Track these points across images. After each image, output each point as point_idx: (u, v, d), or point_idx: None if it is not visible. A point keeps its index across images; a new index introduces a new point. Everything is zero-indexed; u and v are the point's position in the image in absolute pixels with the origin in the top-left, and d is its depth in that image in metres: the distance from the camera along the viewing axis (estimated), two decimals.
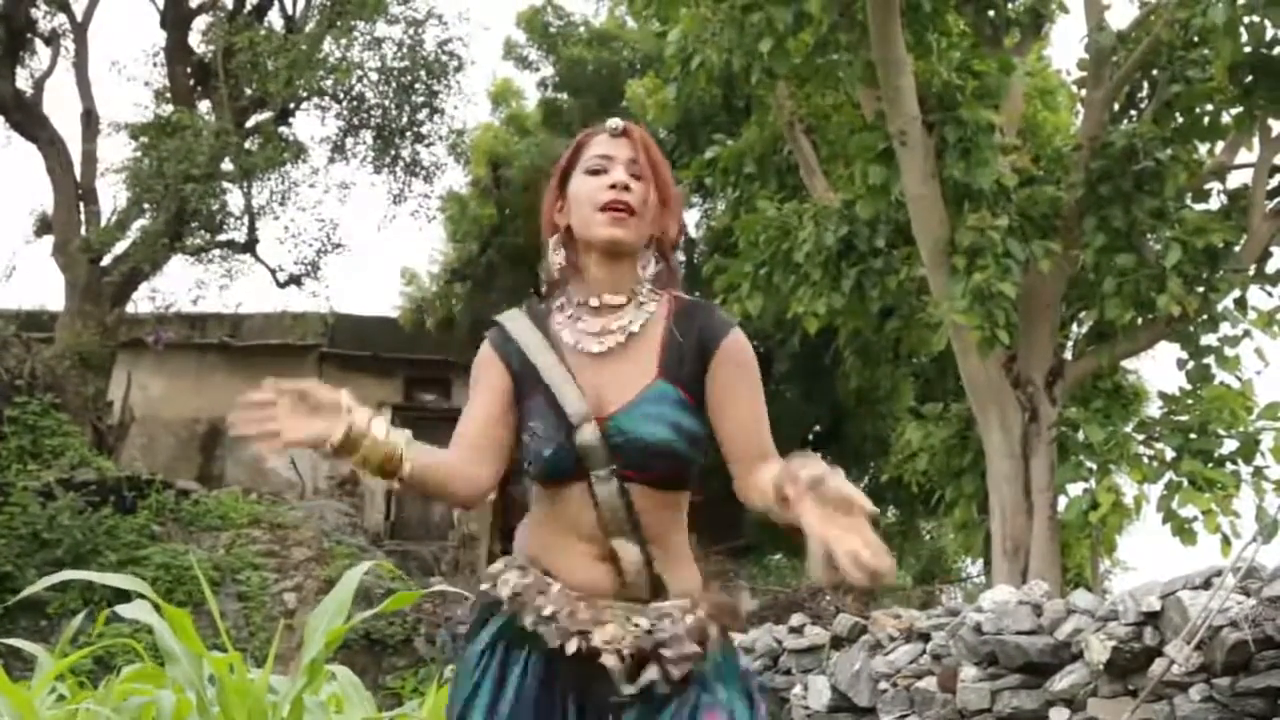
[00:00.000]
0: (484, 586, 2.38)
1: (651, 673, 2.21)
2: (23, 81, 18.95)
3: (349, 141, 19.31)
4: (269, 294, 38.90)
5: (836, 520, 1.93)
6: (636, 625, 2.25)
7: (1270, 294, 12.39)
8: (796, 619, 9.42)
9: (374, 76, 18.87)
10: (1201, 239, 11.43)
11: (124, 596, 4.57)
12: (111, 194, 18.39)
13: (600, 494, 2.27)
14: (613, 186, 2.37)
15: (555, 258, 2.44)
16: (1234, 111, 12.22)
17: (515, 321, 2.46)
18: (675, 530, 2.37)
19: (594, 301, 2.41)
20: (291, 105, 18.49)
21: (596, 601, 2.28)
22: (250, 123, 18.54)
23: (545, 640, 2.25)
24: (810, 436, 22.06)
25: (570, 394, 2.32)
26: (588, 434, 2.29)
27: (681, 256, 19.40)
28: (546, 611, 2.26)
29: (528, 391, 2.37)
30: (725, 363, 2.36)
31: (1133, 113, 12.92)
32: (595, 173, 2.40)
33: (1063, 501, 12.12)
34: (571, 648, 2.23)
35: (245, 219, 18.46)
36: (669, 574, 2.32)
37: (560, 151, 2.62)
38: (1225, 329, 12.23)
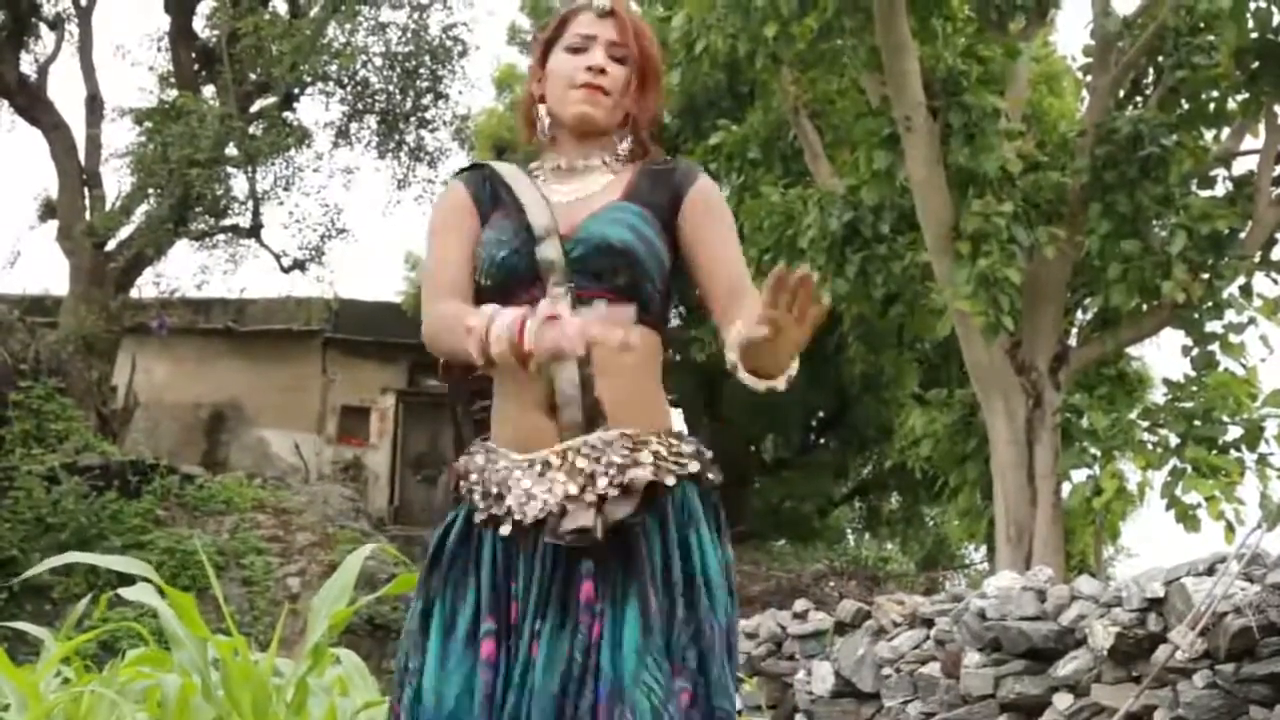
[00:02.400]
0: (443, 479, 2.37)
1: (579, 519, 2.11)
2: (27, 66, 18.94)
3: (353, 126, 19.27)
4: (273, 279, 38.82)
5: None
6: (576, 470, 2.16)
7: (1275, 281, 12.37)
8: (800, 604, 9.44)
9: (378, 61, 18.83)
10: (1207, 225, 11.41)
11: (128, 581, 4.58)
12: (116, 179, 18.34)
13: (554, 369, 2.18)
14: (589, 69, 2.38)
15: (542, 123, 2.44)
16: (1240, 97, 12.19)
17: (496, 163, 2.47)
18: (635, 369, 2.27)
19: (564, 164, 2.42)
20: (296, 90, 18.46)
21: (536, 458, 2.21)
22: (255, 108, 18.53)
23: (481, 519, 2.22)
24: (814, 422, 22.09)
25: (540, 211, 2.31)
26: (548, 248, 2.27)
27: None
28: (488, 492, 2.23)
29: (492, 217, 2.37)
30: (696, 204, 2.38)
31: (1138, 98, 12.90)
32: (576, 51, 2.41)
33: (1066, 488, 12.13)
34: (505, 529, 2.19)
35: (249, 204, 18.44)
36: (616, 407, 2.20)
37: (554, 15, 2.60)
38: (1230, 316, 12.21)
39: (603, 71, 2.37)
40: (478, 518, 2.24)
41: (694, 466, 2.25)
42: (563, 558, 2.14)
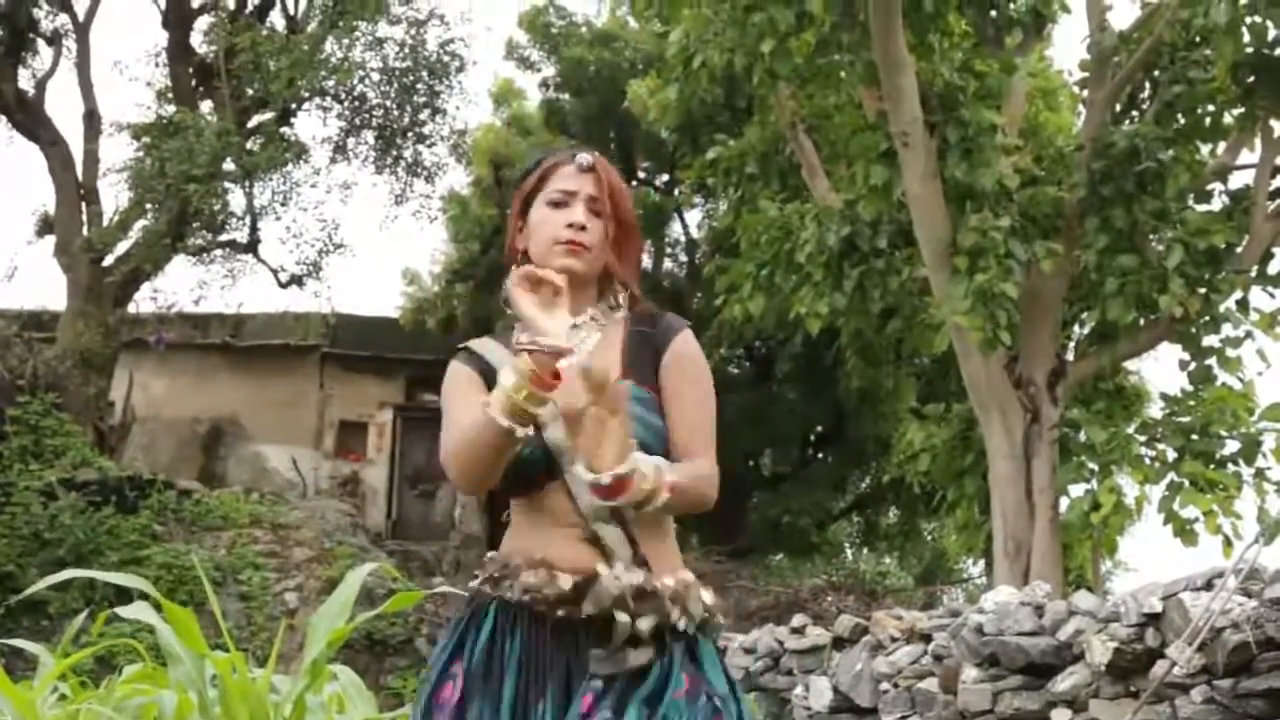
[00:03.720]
0: (471, 584, 2.44)
1: (623, 621, 2.26)
2: (25, 81, 18.95)
3: (351, 142, 19.29)
4: (271, 294, 38.83)
5: None
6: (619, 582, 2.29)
7: (1272, 295, 12.38)
8: (798, 619, 9.43)
9: (376, 77, 18.85)
10: (1203, 240, 11.43)
11: (126, 596, 4.58)
12: (113, 194, 18.36)
13: (576, 489, 2.32)
14: (570, 225, 2.45)
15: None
16: (1236, 112, 12.22)
17: (481, 344, 2.55)
18: (656, 524, 2.40)
19: None
20: (293, 105, 18.47)
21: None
22: (252, 123, 18.53)
23: (531, 605, 2.30)
24: (812, 437, 22.10)
25: None
26: (555, 431, 2.35)
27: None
28: (531, 581, 2.31)
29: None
30: (671, 367, 2.46)
31: (1134, 113, 12.92)
32: (557, 205, 2.48)
33: (1064, 502, 12.12)
34: (560, 612, 2.28)
35: (247, 219, 18.45)
36: (656, 562, 2.35)
37: (530, 164, 2.63)
38: (1227, 330, 12.23)
39: (583, 228, 2.46)
40: (523, 593, 2.33)
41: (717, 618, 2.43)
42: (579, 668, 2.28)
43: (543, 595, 2.29)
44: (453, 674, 2.36)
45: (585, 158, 2.51)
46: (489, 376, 2.44)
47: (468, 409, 2.36)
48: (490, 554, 2.46)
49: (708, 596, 2.40)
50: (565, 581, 2.29)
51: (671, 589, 2.32)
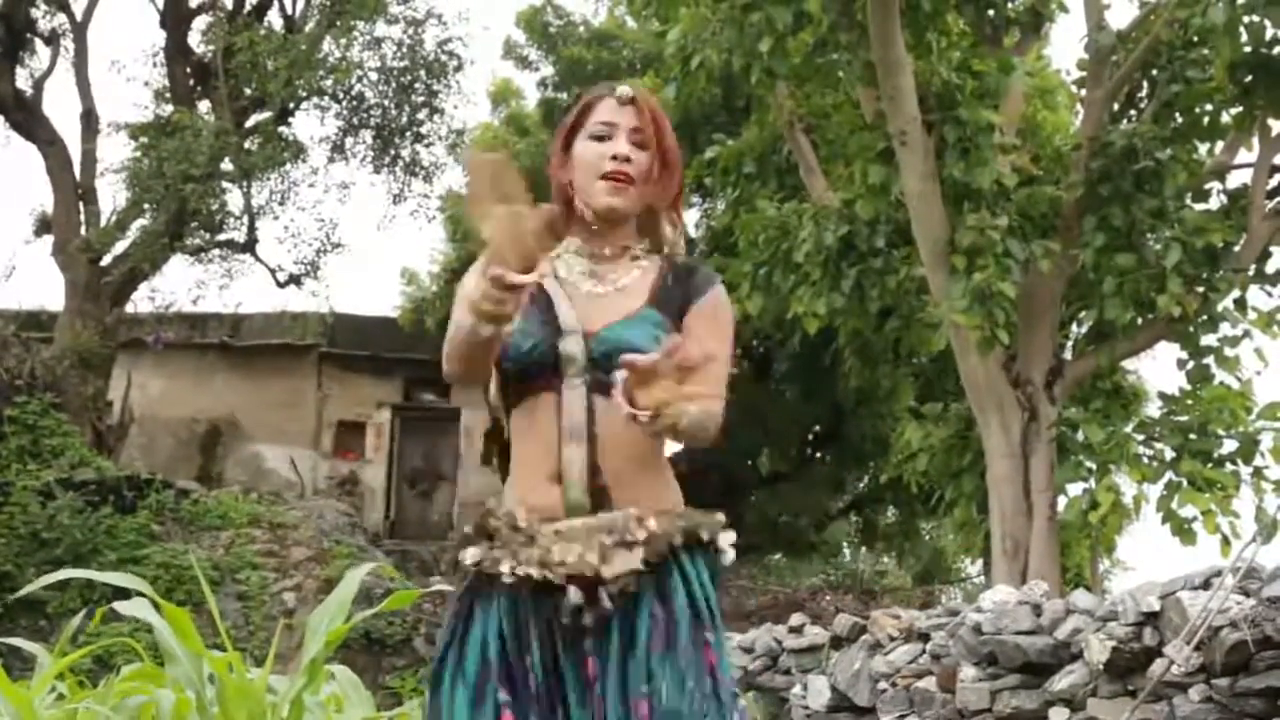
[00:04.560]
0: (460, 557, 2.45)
1: (574, 596, 2.26)
2: (22, 81, 18.96)
3: (349, 141, 19.30)
4: (269, 294, 38.94)
5: None
6: (579, 545, 2.29)
7: (1270, 294, 12.38)
8: (796, 619, 9.44)
9: (374, 76, 18.86)
10: (1201, 239, 11.43)
11: (124, 596, 4.57)
12: (111, 194, 18.46)
13: (566, 400, 2.37)
14: (614, 157, 2.46)
15: (584, 212, 2.52)
16: (1234, 111, 12.21)
17: None
18: (645, 453, 2.41)
19: (593, 250, 2.52)
20: (291, 105, 18.47)
21: (548, 526, 2.32)
22: (250, 122, 18.54)
23: (503, 577, 2.31)
24: (810, 436, 22.08)
25: (565, 306, 2.42)
26: (572, 343, 2.39)
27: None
28: (504, 559, 2.32)
29: (524, 308, 2.38)
30: (699, 313, 2.49)
31: (1132, 112, 12.91)
32: (599, 139, 2.50)
33: (1062, 501, 12.12)
34: (535, 574, 2.28)
35: (245, 219, 18.46)
36: (621, 489, 2.36)
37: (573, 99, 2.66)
38: (1225, 329, 12.22)
39: (628, 160, 2.47)
40: (503, 572, 2.32)
41: (705, 534, 2.42)
42: (570, 633, 2.29)
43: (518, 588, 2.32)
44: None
45: (625, 90, 2.52)
46: None
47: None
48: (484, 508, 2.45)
49: (692, 520, 2.40)
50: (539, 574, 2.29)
51: (644, 536, 2.32)
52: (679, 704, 2.24)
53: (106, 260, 17.72)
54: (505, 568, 2.30)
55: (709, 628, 2.34)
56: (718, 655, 2.34)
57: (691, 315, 2.48)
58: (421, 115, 19.17)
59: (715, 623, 2.38)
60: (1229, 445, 11.79)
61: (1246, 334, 12.22)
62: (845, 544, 26.53)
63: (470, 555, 2.36)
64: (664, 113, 2.56)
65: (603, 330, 2.39)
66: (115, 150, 32.65)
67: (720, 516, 2.46)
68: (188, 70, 19.08)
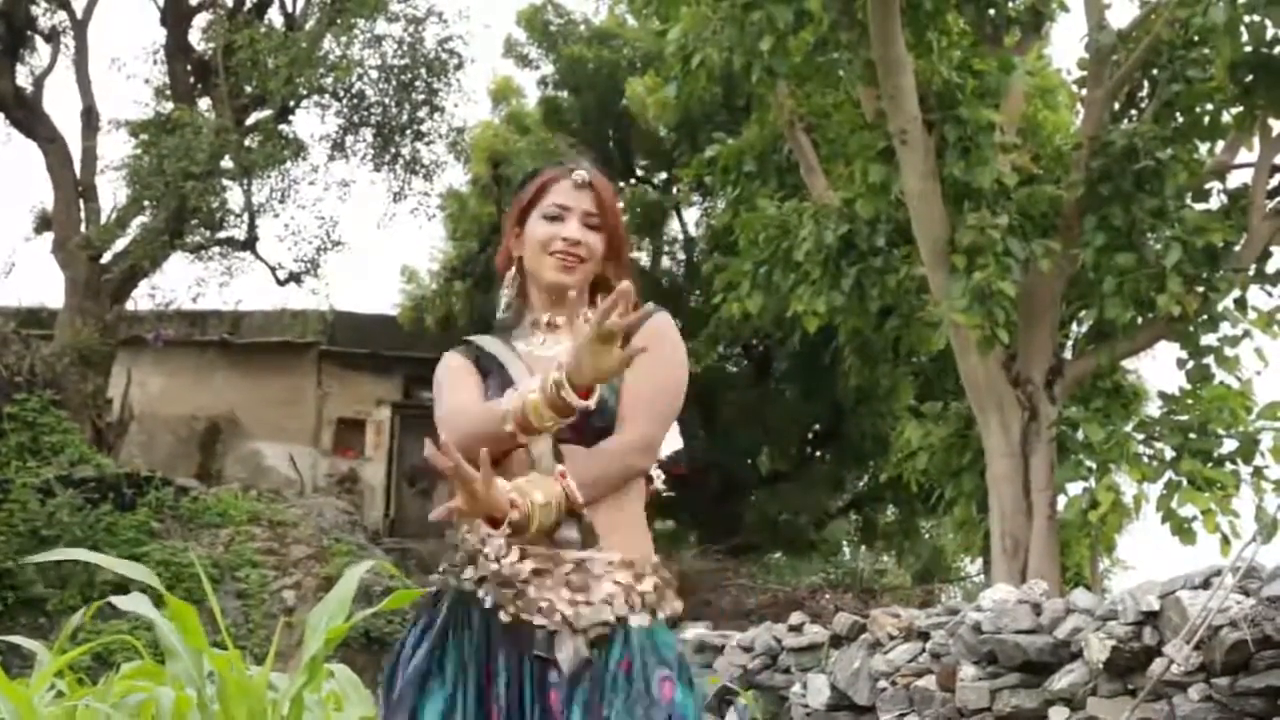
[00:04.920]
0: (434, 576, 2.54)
1: (568, 648, 2.35)
2: (23, 79, 18.98)
3: (349, 139, 19.32)
4: (269, 291, 38.88)
5: None
6: (565, 583, 2.37)
7: (1270, 294, 12.38)
8: (796, 617, 9.42)
9: (374, 74, 18.88)
10: (1201, 238, 11.43)
11: (124, 594, 4.56)
12: (111, 191, 18.44)
13: (535, 451, 2.42)
14: (564, 239, 2.59)
15: (508, 291, 2.70)
16: (1234, 111, 12.21)
17: (479, 337, 2.71)
18: (617, 497, 2.48)
19: (542, 319, 2.65)
20: (291, 103, 18.48)
21: (529, 551, 2.38)
22: (250, 120, 18.55)
23: (481, 601, 2.39)
24: (810, 435, 22.09)
25: (521, 372, 2.53)
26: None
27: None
28: (480, 574, 2.41)
29: (486, 382, 2.60)
30: (637, 339, 2.47)
31: (1133, 112, 12.91)
32: (552, 219, 2.61)
33: (1062, 500, 12.12)
34: (505, 617, 2.36)
35: (245, 216, 18.49)
36: (606, 529, 2.43)
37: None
38: (1225, 329, 12.22)
39: (577, 243, 2.58)
40: (487, 603, 2.40)
41: (673, 607, 2.49)
42: (536, 669, 2.36)
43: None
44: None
45: (582, 174, 2.63)
46: (483, 365, 2.61)
47: (464, 391, 2.57)
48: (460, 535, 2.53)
49: (652, 583, 2.46)
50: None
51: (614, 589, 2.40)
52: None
53: (107, 257, 17.73)
54: (489, 602, 2.39)
55: (670, 668, 2.42)
56: (676, 690, 2.41)
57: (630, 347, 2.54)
58: (422, 113, 19.18)
59: (679, 664, 2.45)
60: (1229, 445, 11.80)
61: (1246, 334, 12.22)
62: (845, 543, 26.52)
63: (465, 579, 2.44)
64: (615, 197, 2.69)
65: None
66: (115, 148, 32.37)
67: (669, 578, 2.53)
68: (188, 68, 19.09)
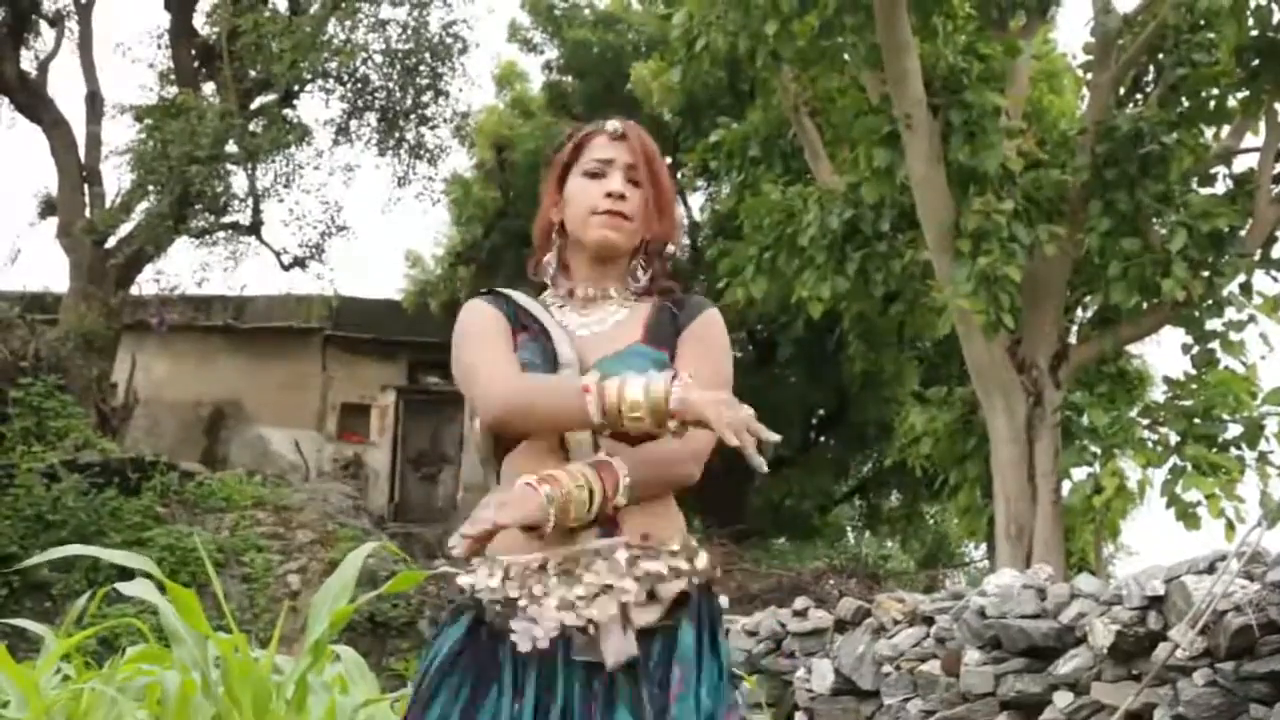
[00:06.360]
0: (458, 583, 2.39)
1: (617, 644, 2.22)
2: (27, 63, 18.96)
3: (353, 124, 19.28)
4: (273, 276, 38.85)
5: None
6: (594, 577, 2.24)
7: (1275, 279, 12.37)
8: (800, 602, 9.43)
9: (378, 59, 18.82)
10: (1207, 223, 11.41)
11: (129, 578, 4.57)
12: (116, 176, 18.32)
13: (573, 440, 2.31)
14: (609, 194, 2.44)
15: (550, 259, 2.54)
16: (1240, 95, 12.20)
17: (511, 291, 2.54)
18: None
19: (580, 292, 2.50)
20: (296, 87, 18.46)
21: (552, 562, 2.26)
22: (255, 105, 18.52)
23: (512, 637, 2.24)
24: (814, 420, 22.09)
25: (564, 341, 2.39)
26: (569, 376, 2.34)
27: (685, 241, 19.43)
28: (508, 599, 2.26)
29: (520, 338, 2.43)
30: (689, 334, 2.46)
31: (1138, 96, 12.90)
32: (594, 175, 2.48)
33: (1067, 486, 12.13)
34: (525, 646, 2.22)
35: (250, 201, 18.46)
36: (630, 514, 2.30)
37: (563, 136, 2.65)
38: (1230, 314, 12.21)
39: (623, 197, 2.45)
40: (523, 645, 2.25)
41: (712, 574, 2.39)
42: (582, 676, 2.23)
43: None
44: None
45: (616, 125, 2.51)
46: (511, 318, 2.46)
47: (498, 347, 2.40)
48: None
49: (700, 563, 2.37)
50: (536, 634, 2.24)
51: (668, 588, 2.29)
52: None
53: (111, 242, 17.73)
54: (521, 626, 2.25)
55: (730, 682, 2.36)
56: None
57: (681, 340, 2.46)
58: (426, 98, 19.14)
59: (731, 676, 2.39)
60: (1234, 430, 11.78)
61: (1252, 319, 12.21)
62: (849, 528, 26.55)
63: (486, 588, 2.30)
64: (656, 148, 2.55)
65: (596, 363, 2.35)
66: (120, 132, 32.59)
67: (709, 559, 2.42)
68: (192, 52, 19.05)
